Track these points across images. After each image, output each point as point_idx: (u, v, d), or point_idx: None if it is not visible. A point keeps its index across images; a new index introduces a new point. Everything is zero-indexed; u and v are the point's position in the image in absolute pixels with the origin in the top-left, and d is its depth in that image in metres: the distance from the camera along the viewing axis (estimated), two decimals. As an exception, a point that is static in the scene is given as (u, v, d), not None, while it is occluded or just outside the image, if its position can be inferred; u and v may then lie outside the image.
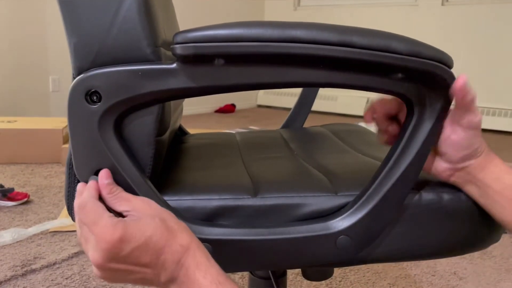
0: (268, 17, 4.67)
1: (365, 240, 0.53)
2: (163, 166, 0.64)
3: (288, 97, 4.45)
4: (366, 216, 0.52)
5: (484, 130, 3.54)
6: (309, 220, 0.53)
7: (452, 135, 0.51)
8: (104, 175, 0.49)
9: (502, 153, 2.76)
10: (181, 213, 0.52)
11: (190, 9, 3.93)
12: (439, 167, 0.54)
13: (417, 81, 0.48)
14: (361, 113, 4.01)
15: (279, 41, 0.41)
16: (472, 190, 0.54)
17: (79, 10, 0.48)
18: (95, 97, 0.49)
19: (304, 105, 1.05)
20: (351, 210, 0.52)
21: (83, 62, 0.50)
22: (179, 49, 0.43)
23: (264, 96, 4.69)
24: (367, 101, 3.99)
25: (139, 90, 0.47)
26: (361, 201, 0.52)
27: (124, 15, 0.48)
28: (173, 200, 0.54)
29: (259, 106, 4.74)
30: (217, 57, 0.43)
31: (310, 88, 1.06)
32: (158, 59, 0.50)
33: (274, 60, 0.44)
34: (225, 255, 0.51)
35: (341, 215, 0.52)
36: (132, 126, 0.51)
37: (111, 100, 0.48)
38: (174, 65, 0.46)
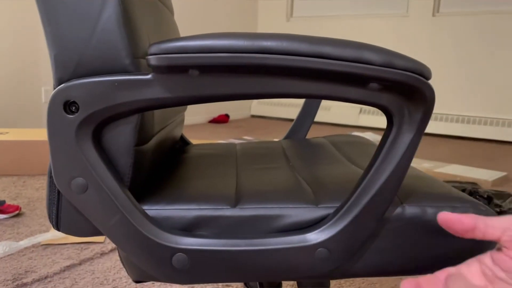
0: (261, 27, 4.69)
1: (344, 253, 0.52)
2: (152, 176, 0.64)
3: (282, 108, 4.46)
4: (345, 229, 0.51)
5: (475, 139, 3.55)
6: (287, 231, 0.53)
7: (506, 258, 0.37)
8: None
9: (493, 162, 2.77)
10: (159, 223, 0.52)
11: (183, 22, 3.95)
12: None
13: (395, 92, 0.48)
14: (354, 123, 4.02)
15: (249, 52, 0.42)
16: None
17: (59, 21, 0.49)
18: (73, 107, 0.49)
19: (306, 116, 1.06)
20: (330, 223, 0.52)
21: (63, 73, 0.50)
22: (152, 60, 0.44)
23: (258, 107, 4.70)
24: (360, 111, 4.00)
25: (115, 100, 0.47)
26: (340, 214, 0.52)
27: (103, 27, 0.49)
28: (153, 209, 0.54)
29: (253, 116, 4.75)
30: (191, 68, 0.43)
31: (313, 99, 1.06)
32: (137, 70, 0.50)
33: (247, 71, 0.44)
34: (202, 266, 0.51)
35: (320, 227, 0.52)
36: (110, 135, 0.51)
37: (88, 110, 0.48)
38: (149, 76, 0.46)
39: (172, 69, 0.44)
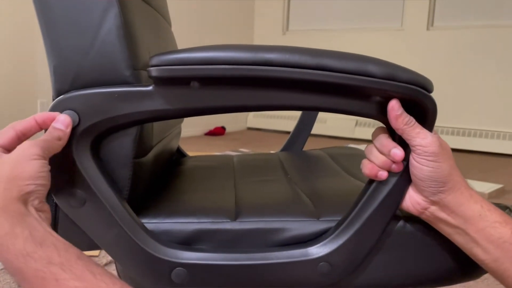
0: (257, 41, 4.72)
1: (346, 267, 0.51)
2: (150, 188, 0.64)
3: (278, 120, 4.46)
4: (347, 242, 0.50)
5: (472, 152, 3.56)
6: (289, 245, 0.52)
7: (414, 162, 0.49)
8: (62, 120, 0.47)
9: (489, 174, 2.78)
10: (158, 237, 0.51)
11: (178, 34, 3.96)
12: (411, 199, 0.51)
13: None
14: (350, 135, 4.03)
15: (251, 64, 0.41)
16: (446, 229, 0.50)
17: (59, 33, 0.49)
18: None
19: (303, 129, 1.05)
20: (332, 236, 0.51)
21: (63, 84, 0.50)
22: (154, 71, 0.43)
23: (254, 119, 4.70)
24: (356, 124, 4.01)
25: (115, 112, 0.47)
26: (342, 227, 0.51)
27: (103, 39, 0.48)
28: (152, 223, 0.53)
29: (249, 128, 4.75)
30: (192, 80, 0.43)
31: (309, 111, 1.06)
32: (137, 82, 0.50)
33: (248, 83, 0.44)
34: (202, 280, 0.49)
35: (322, 241, 0.51)
36: (109, 147, 0.51)
37: (88, 122, 0.48)
38: (150, 88, 0.46)
39: (173, 81, 0.44)
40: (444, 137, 3.64)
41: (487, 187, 2.28)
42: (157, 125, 0.62)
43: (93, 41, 0.48)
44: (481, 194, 2.35)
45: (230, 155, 0.96)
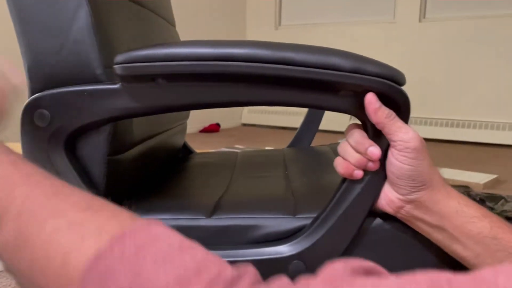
0: (250, 36, 4.70)
1: (320, 265, 0.50)
2: (134, 185, 0.63)
3: (273, 116, 4.45)
4: (321, 240, 0.49)
5: (464, 143, 3.56)
6: (262, 243, 0.51)
7: (393, 160, 0.47)
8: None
9: (483, 165, 2.78)
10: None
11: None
12: (386, 197, 0.49)
13: None
14: (343, 129, 4.03)
15: (213, 59, 0.41)
16: (424, 228, 0.49)
17: (32, 34, 0.50)
18: (45, 118, 0.49)
19: (310, 124, 1.03)
20: (305, 234, 0.50)
21: (37, 84, 0.51)
22: (118, 69, 0.43)
23: (249, 115, 4.69)
24: (350, 117, 4.01)
25: (84, 110, 0.47)
26: (316, 224, 0.50)
27: (74, 38, 0.49)
28: (128, 221, 0.53)
29: (244, 124, 4.74)
30: (157, 77, 0.43)
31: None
32: (110, 80, 0.49)
33: (214, 79, 0.43)
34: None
35: (296, 238, 0.50)
36: (83, 145, 0.51)
37: (59, 120, 0.49)
38: (117, 85, 0.46)
39: (138, 78, 0.44)
40: (437, 129, 3.64)
41: (482, 177, 2.28)
42: (143, 121, 0.61)
43: (64, 41, 0.49)
44: (476, 185, 2.33)
45: (235, 151, 0.95)
